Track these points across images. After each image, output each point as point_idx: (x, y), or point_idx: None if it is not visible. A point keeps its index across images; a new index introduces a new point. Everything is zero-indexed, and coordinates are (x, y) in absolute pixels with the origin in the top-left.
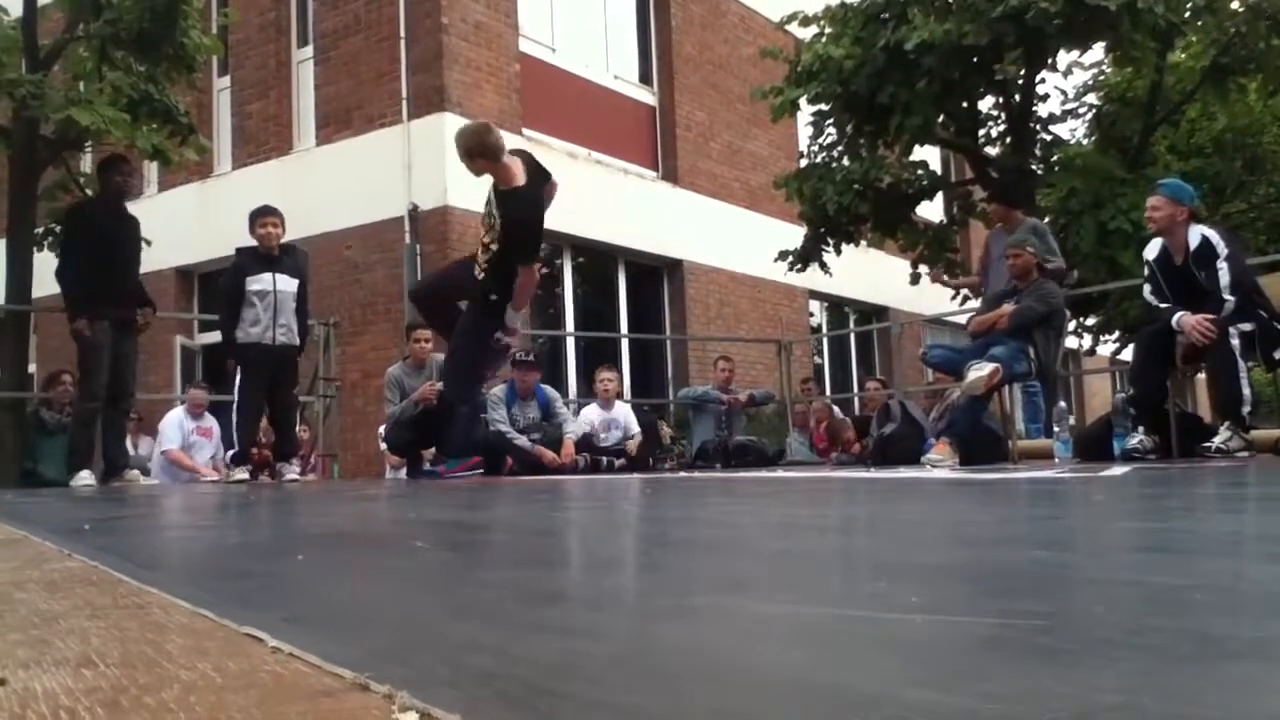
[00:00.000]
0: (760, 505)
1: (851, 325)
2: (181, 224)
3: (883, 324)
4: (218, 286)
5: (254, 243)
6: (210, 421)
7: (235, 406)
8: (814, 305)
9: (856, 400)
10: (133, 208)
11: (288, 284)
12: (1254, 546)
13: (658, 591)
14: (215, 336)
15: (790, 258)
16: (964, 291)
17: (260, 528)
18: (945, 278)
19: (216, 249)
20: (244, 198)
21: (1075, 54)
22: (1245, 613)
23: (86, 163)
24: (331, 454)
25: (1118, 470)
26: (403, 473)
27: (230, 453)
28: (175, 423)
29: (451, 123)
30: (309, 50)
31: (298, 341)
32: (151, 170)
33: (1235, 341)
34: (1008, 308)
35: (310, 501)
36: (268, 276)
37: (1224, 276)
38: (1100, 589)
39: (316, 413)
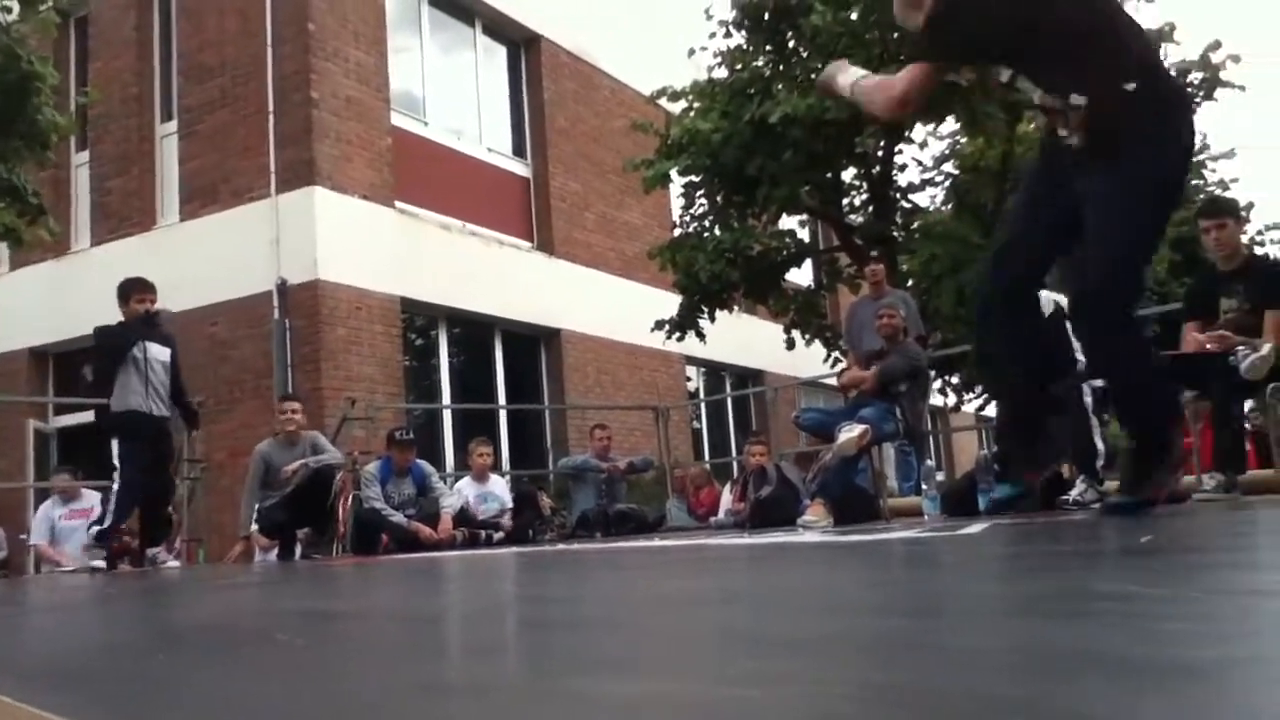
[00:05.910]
0: (638, 578)
1: (728, 389)
2: (36, 303)
3: (758, 388)
4: (80, 367)
5: (118, 319)
6: (90, 500)
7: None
8: (691, 370)
9: (735, 464)
10: None
11: (160, 352)
12: (1054, 606)
13: (538, 676)
14: (71, 419)
15: (667, 326)
16: (834, 354)
17: (121, 622)
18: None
19: (73, 329)
20: (103, 275)
21: (931, 126)
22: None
23: None
24: (197, 538)
25: (975, 528)
26: (273, 555)
27: (96, 529)
28: (42, 515)
29: (321, 196)
30: (173, 125)
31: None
32: (2, 249)
33: (1088, 399)
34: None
35: (176, 591)
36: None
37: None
38: (948, 655)
39: (182, 495)
